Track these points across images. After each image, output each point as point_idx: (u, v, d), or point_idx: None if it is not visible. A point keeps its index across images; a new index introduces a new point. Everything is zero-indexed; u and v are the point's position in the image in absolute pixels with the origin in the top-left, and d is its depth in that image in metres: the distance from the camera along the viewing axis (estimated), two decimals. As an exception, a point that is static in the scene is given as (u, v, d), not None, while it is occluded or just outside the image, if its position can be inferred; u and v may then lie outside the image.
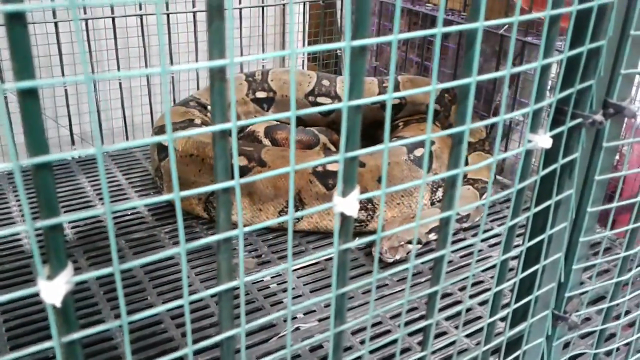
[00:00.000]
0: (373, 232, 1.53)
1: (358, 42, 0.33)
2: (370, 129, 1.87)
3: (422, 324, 0.49)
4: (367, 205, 1.50)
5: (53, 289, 0.28)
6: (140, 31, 1.83)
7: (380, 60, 2.26)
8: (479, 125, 1.78)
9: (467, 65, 0.39)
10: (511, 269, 0.57)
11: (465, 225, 1.58)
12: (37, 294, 0.29)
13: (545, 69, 0.45)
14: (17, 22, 0.25)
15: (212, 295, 1.16)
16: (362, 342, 1.17)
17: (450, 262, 1.43)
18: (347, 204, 0.37)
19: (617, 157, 1.98)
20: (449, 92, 1.81)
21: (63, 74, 1.79)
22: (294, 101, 0.34)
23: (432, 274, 0.47)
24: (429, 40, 2.03)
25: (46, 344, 0.29)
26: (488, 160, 0.45)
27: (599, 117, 0.51)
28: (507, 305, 0.58)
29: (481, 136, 1.77)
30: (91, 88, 0.28)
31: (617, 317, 0.75)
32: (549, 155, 0.51)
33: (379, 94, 1.81)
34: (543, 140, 0.46)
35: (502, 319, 0.57)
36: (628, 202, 0.67)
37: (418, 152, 1.56)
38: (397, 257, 1.38)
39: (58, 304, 0.28)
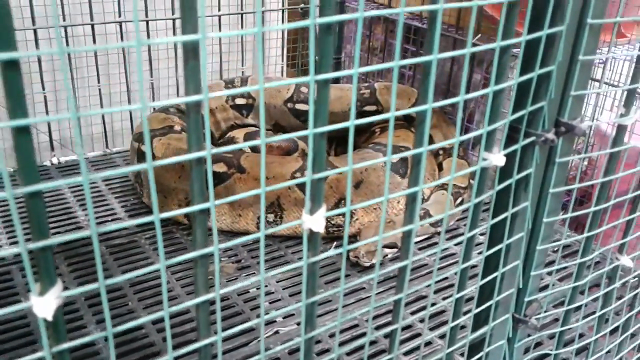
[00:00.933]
0: (351, 236, 1.57)
1: (321, 77, 0.36)
2: (348, 136, 1.91)
3: (390, 328, 0.52)
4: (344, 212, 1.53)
5: (45, 304, 0.31)
6: (119, 38, 1.85)
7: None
8: (439, 104, 1.82)
9: (429, 44, 0.42)
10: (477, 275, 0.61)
11: (439, 229, 1.63)
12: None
13: (498, 93, 0.49)
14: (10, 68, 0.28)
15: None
16: (341, 345, 1.21)
17: (424, 265, 1.48)
18: (315, 221, 0.40)
19: (586, 162, 2.04)
20: (424, 98, 1.86)
21: (43, 83, 1.80)
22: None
23: (397, 281, 0.50)
24: (405, 48, 2.08)
25: (38, 354, 0.32)
26: (467, 170, 0.50)
27: (550, 135, 0.55)
28: (470, 310, 0.62)
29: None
30: (66, 61, 0.30)
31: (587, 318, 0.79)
32: (505, 171, 0.55)
33: (356, 101, 1.85)
34: (497, 158, 0.50)
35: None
36: (586, 212, 0.71)
37: (394, 159, 1.60)
38: (374, 261, 1.42)
39: (49, 318, 0.31)
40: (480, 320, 0.63)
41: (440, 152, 1.78)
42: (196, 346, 0.40)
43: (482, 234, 0.59)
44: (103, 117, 1.93)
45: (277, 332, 1.24)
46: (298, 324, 1.26)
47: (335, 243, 1.54)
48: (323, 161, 0.40)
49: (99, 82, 1.88)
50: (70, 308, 1.23)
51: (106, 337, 0.33)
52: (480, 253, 0.60)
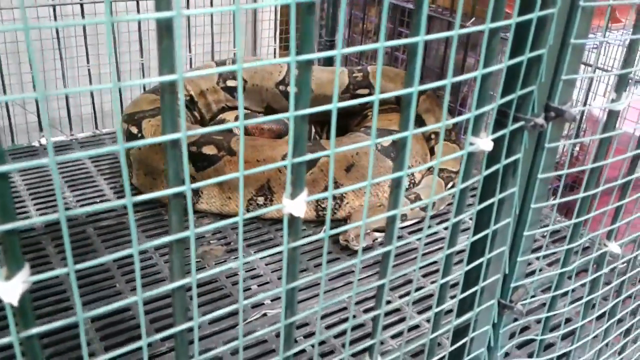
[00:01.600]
0: (341, 220, 1.56)
1: (302, 57, 0.35)
2: (340, 119, 1.90)
3: (373, 313, 0.52)
4: (335, 195, 1.52)
5: (10, 289, 0.30)
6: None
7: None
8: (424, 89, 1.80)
9: (416, 25, 0.41)
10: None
11: (429, 213, 1.62)
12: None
13: (486, 77, 0.47)
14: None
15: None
16: (328, 328, 1.21)
17: (414, 249, 1.48)
18: (296, 205, 0.39)
19: (578, 148, 2.04)
20: (417, 82, 1.84)
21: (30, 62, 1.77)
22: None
23: (380, 267, 0.49)
24: (399, 31, 2.06)
25: (4, 340, 0.31)
26: (456, 154, 0.49)
27: (540, 120, 0.54)
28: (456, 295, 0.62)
29: (447, 126, 1.81)
30: (29, 39, 0.28)
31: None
32: (493, 156, 0.54)
33: (349, 84, 1.83)
34: (484, 143, 0.49)
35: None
36: (574, 197, 0.71)
37: (385, 142, 1.59)
38: (364, 244, 1.42)
39: (15, 303, 0.30)
40: (465, 305, 0.63)
41: (433, 136, 1.77)
42: (172, 331, 0.39)
43: (470, 219, 0.58)
44: (92, 97, 1.91)
45: (264, 314, 1.24)
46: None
47: (324, 226, 1.54)
48: (304, 145, 0.39)
49: (88, 62, 1.85)
50: (59, 289, 1.22)
51: (81, 319, 0.32)
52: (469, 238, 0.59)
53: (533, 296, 0.72)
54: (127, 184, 0.32)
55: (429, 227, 1.55)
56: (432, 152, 1.76)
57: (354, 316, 1.24)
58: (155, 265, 1.34)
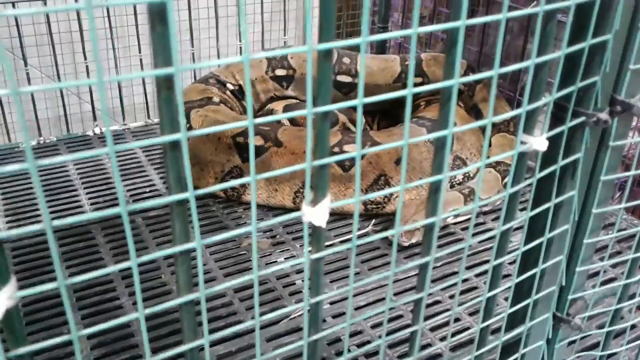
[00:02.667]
0: (390, 214, 1.51)
1: (322, 46, 0.30)
2: (393, 109, 1.83)
3: (410, 329, 0.47)
4: (384, 187, 1.47)
5: (-7, 307, 0.27)
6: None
7: (405, 36, 2.21)
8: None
9: (456, 7, 0.35)
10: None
11: (485, 209, 1.55)
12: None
13: (541, 67, 0.42)
14: None
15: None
16: (373, 327, 1.16)
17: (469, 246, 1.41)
18: (317, 213, 0.35)
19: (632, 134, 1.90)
20: (474, 70, 1.76)
21: (54, 56, 1.79)
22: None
23: (417, 280, 0.45)
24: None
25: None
26: (508, 153, 0.43)
27: (604, 115, 0.48)
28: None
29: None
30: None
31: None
32: (549, 156, 0.48)
33: (401, 72, 1.76)
34: (538, 142, 0.43)
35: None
36: (643, 199, 0.63)
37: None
38: (413, 240, 1.36)
39: (-2, 322, 0.28)
40: (516, 318, 0.57)
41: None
42: (182, 349, 0.35)
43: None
44: (144, 86, 1.91)
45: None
46: (331, 303, 1.22)
47: (373, 221, 1.49)
48: (326, 145, 0.34)
49: (140, 51, 1.86)
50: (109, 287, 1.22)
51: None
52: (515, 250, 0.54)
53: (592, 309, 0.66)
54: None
55: (482, 223, 1.48)
56: (489, 143, 1.68)
57: (402, 316, 1.19)
58: (204, 264, 1.33)
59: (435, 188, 0.40)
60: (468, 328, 1.16)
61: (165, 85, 0.27)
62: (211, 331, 1.10)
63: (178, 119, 0.28)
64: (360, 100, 0.33)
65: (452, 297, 1.23)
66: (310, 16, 0.29)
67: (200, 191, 0.30)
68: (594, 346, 0.92)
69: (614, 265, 1.32)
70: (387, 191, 0.39)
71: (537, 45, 0.40)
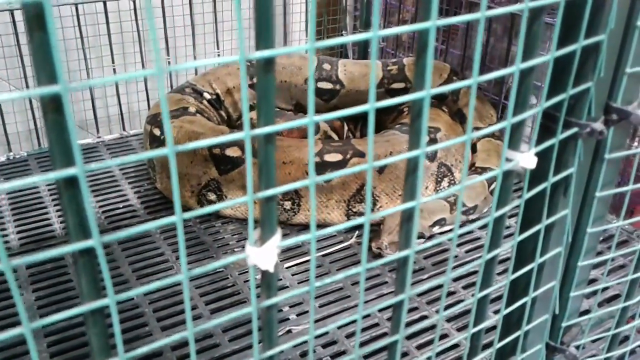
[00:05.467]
0: (374, 224, 1.45)
1: (261, 54, 0.25)
2: (376, 115, 1.78)
3: (389, 339, 0.41)
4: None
5: None
6: (133, 15, 1.75)
7: (387, 40, 2.16)
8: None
9: (425, 6, 0.29)
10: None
11: (472, 217, 1.50)
12: None
13: (527, 73, 0.36)
14: None
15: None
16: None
17: (455, 257, 1.35)
18: (264, 255, 0.29)
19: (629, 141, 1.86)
20: (457, 74, 1.71)
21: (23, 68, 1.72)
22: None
23: (395, 280, 0.38)
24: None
25: None
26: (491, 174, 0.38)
27: (599, 125, 0.43)
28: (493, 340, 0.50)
29: (491, 122, 1.67)
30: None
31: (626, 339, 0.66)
32: (538, 172, 0.43)
33: (383, 77, 1.71)
34: (526, 158, 0.38)
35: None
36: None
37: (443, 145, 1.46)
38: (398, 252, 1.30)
39: None
40: (505, 352, 0.51)
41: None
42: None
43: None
44: (119, 98, 1.85)
45: (289, 331, 1.15)
46: (315, 322, 1.16)
47: (357, 232, 1.43)
48: (272, 172, 0.28)
49: (113, 62, 1.79)
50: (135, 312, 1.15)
51: None
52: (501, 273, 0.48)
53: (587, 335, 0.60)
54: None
55: (469, 232, 1.43)
56: (474, 149, 1.63)
57: (387, 333, 1.13)
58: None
59: (407, 216, 0.34)
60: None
61: (52, 107, 0.21)
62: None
63: (72, 149, 0.22)
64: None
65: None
66: (244, 24, 0.23)
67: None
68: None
69: (609, 273, 1.27)
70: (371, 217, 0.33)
71: (523, 48, 0.35)
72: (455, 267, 1.31)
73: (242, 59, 0.24)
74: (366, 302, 1.22)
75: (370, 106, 0.29)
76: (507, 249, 0.40)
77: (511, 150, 0.38)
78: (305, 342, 1.10)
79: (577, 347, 0.56)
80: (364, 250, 0.35)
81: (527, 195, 0.42)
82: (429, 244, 0.39)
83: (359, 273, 0.39)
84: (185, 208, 1.50)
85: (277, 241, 0.29)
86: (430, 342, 1.09)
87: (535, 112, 0.38)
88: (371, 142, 0.31)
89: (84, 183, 0.23)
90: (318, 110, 1.77)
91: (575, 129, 0.43)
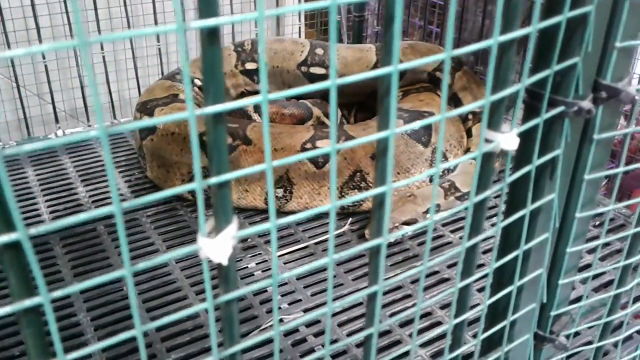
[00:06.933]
0: (367, 211, 1.43)
1: (204, 23, 0.22)
2: (370, 100, 1.75)
3: (366, 331, 0.39)
4: (361, 184, 1.39)
5: None
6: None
7: (382, 24, 2.12)
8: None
9: None
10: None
11: (467, 203, 1.47)
12: None
13: (507, 47, 0.33)
14: None
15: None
16: (349, 334, 1.09)
17: (449, 243, 1.33)
18: (217, 246, 0.27)
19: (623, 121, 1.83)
20: (452, 58, 1.68)
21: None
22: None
23: (369, 270, 0.36)
24: (432, 2, 1.89)
25: None
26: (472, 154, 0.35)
27: (586, 103, 0.40)
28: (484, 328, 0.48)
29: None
30: None
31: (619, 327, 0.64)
32: (522, 154, 0.40)
33: (377, 62, 1.68)
34: (507, 139, 0.35)
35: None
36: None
37: (415, 126, 1.44)
38: (392, 239, 1.28)
39: None
40: (492, 342, 0.49)
41: (470, 116, 1.60)
42: None
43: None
44: (109, 86, 1.81)
45: (281, 320, 1.13)
46: (304, 311, 1.14)
47: (350, 219, 1.41)
48: (225, 157, 0.26)
49: (102, 49, 1.76)
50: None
51: None
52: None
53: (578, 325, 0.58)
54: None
55: (463, 218, 1.40)
56: (469, 133, 1.60)
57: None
58: (171, 273, 1.24)
59: (379, 202, 0.32)
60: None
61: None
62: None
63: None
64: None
65: (407, 330, 1.15)
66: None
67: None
68: None
69: (602, 258, 1.24)
70: (362, 195, 0.30)
71: (502, 19, 0.32)
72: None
73: (180, 28, 0.21)
74: (361, 289, 1.20)
75: (331, 82, 0.26)
76: (490, 234, 0.38)
77: (491, 130, 0.35)
78: (297, 330, 1.08)
79: (568, 336, 0.54)
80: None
81: (511, 178, 0.39)
82: (417, 226, 0.37)
83: (352, 261, 0.36)
84: (177, 197, 1.48)
85: (232, 231, 0.27)
86: (424, 330, 1.07)
87: (517, 90, 0.36)
88: (333, 125, 0.28)
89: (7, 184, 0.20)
90: (312, 96, 1.75)
91: (561, 108, 0.40)
